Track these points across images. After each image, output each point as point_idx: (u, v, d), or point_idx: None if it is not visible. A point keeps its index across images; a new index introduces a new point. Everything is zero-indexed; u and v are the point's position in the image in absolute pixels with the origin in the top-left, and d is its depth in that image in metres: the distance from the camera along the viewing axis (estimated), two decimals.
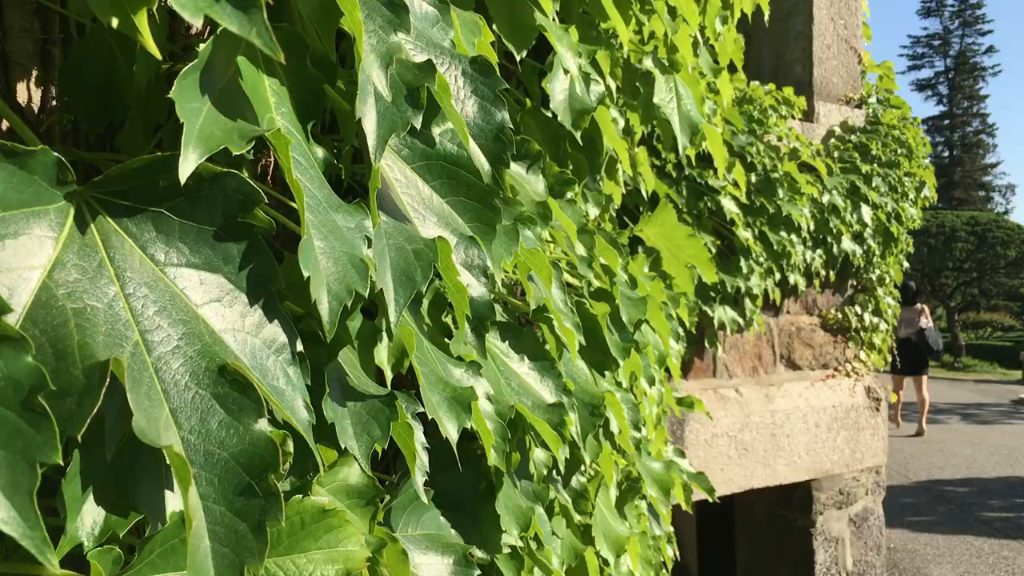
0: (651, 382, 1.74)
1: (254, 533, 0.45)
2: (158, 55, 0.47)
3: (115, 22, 0.45)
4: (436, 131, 0.75)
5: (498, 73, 0.76)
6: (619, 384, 1.62)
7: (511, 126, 0.76)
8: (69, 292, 0.45)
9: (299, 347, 0.53)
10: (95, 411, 0.42)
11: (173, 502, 0.55)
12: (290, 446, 0.67)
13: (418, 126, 0.62)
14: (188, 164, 0.48)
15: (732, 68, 3.37)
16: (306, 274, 0.54)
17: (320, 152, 0.63)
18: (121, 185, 0.49)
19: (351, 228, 0.60)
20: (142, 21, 0.46)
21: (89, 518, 0.52)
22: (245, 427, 0.47)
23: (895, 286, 4.96)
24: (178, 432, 0.45)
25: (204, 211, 0.50)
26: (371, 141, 0.59)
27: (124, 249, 0.48)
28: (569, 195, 1.47)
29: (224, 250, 0.51)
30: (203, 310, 0.50)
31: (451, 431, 0.81)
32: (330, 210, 0.59)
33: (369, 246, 0.60)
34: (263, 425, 0.47)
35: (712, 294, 3.73)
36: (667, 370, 2.52)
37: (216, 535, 0.45)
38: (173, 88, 0.49)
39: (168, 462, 0.43)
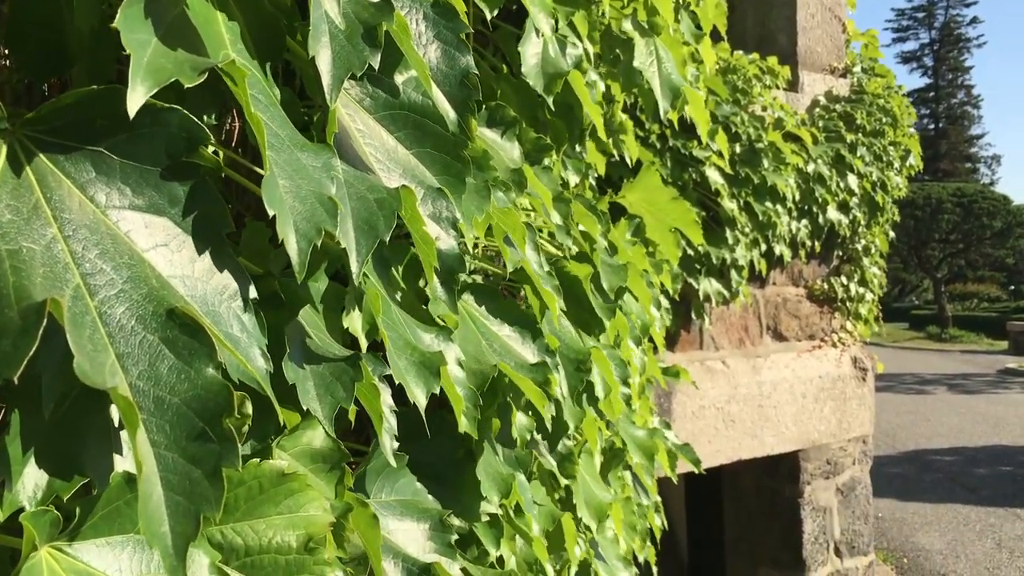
0: (638, 342, 1.72)
1: (209, 480, 0.43)
2: None
3: None
4: (399, 79, 0.73)
5: (462, 17, 0.73)
6: (607, 345, 1.61)
7: (476, 72, 0.73)
8: (2, 233, 0.43)
9: (253, 293, 0.50)
10: (31, 353, 0.40)
11: (121, 465, 0.53)
12: (249, 408, 0.65)
13: (376, 65, 0.60)
14: (137, 97, 0.45)
15: (717, 36, 3.34)
16: (271, 212, 0.51)
17: (278, 93, 0.60)
18: (56, 122, 0.47)
19: (317, 167, 0.57)
20: None
21: (31, 481, 0.50)
22: (197, 371, 0.45)
23: (880, 256, 4.97)
24: (126, 378, 0.43)
25: (146, 150, 0.48)
26: (326, 80, 0.57)
27: (62, 190, 0.46)
28: (546, 162, 1.44)
29: (169, 191, 0.49)
30: (149, 255, 0.47)
31: (419, 396, 0.79)
32: (294, 149, 0.57)
33: (336, 185, 0.58)
34: (215, 370, 0.45)
35: (697, 266, 3.72)
36: (652, 341, 2.51)
37: (169, 483, 0.43)
38: (117, 17, 0.46)
39: (115, 405, 0.41)
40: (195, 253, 0.49)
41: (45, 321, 0.41)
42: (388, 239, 0.63)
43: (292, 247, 0.53)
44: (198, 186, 0.49)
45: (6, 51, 0.94)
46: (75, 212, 0.46)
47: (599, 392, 1.45)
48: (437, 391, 0.83)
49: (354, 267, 0.62)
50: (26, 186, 0.45)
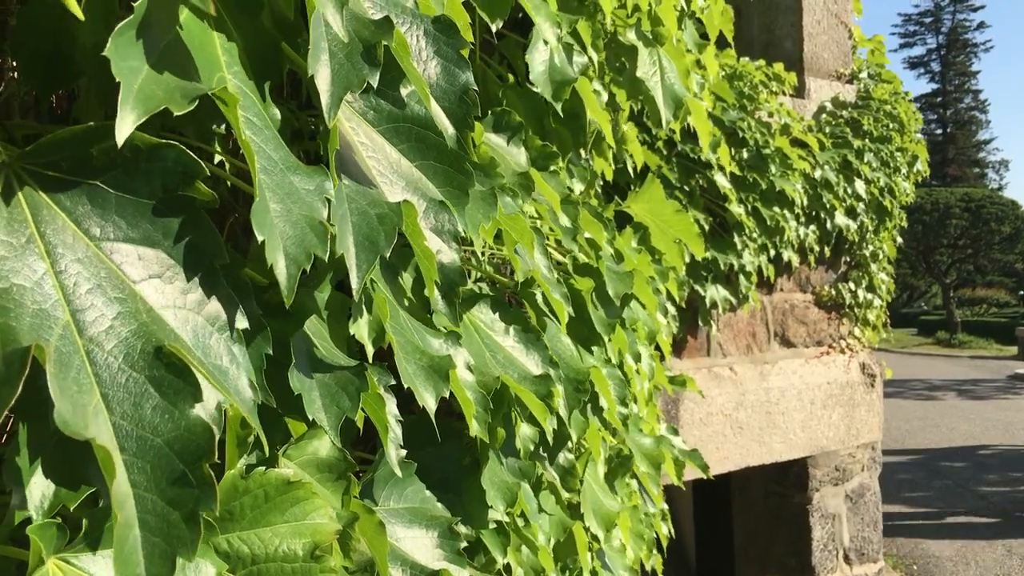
0: (637, 358, 1.72)
1: (187, 523, 0.43)
2: (80, 15, 0.45)
3: None
4: (404, 92, 0.73)
5: (461, 33, 0.73)
6: (608, 361, 1.60)
7: (475, 88, 0.73)
8: None
9: (243, 324, 0.51)
10: (12, 403, 0.39)
11: None
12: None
13: (375, 84, 0.60)
14: (126, 126, 0.45)
15: (724, 43, 3.33)
16: (260, 238, 0.52)
17: (278, 113, 0.60)
18: (53, 156, 0.46)
19: (309, 190, 0.57)
20: None
21: (38, 491, 0.50)
22: (181, 412, 0.45)
23: (888, 261, 4.94)
24: (109, 418, 0.43)
25: (142, 183, 0.48)
26: (324, 98, 0.57)
27: (56, 224, 0.46)
28: (552, 168, 1.45)
29: (164, 224, 0.49)
30: (141, 287, 0.47)
31: (428, 400, 0.79)
32: (287, 172, 0.57)
33: (328, 209, 0.58)
34: (200, 410, 0.45)
35: (704, 273, 3.71)
36: (658, 349, 2.50)
37: (147, 524, 0.43)
38: (108, 46, 0.46)
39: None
40: (187, 284, 0.49)
41: (28, 370, 0.40)
42: (389, 254, 0.63)
43: (281, 272, 0.53)
44: (193, 218, 0.49)
45: (14, 64, 0.94)
46: (68, 246, 0.46)
47: (603, 403, 1.44)
48: (446, 395, 0.83)
49: (355, 282, 0.62)
50: (20, 220, 0.45)
